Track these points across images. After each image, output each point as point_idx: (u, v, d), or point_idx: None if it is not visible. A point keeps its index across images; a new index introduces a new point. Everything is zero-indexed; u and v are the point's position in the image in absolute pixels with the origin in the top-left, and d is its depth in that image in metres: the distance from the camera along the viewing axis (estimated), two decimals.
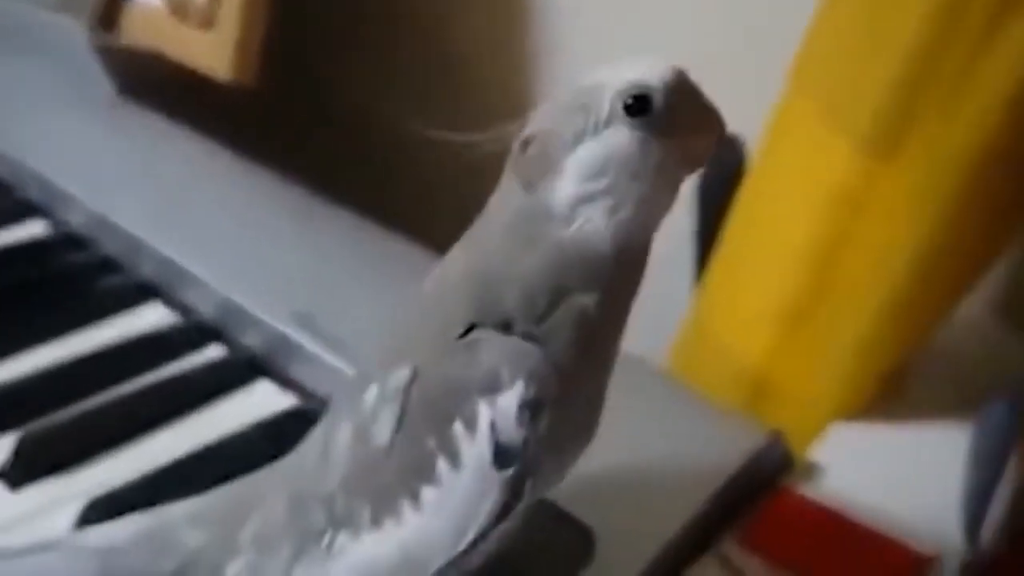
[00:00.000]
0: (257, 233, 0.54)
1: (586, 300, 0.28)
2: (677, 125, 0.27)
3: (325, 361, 0.45)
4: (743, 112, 0.57)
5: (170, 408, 0.45)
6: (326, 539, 0.30)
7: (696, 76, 0.28)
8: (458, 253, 0.30)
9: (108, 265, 0.54)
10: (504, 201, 0.29)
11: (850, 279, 0.45)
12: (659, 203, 0.28)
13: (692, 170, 0.29)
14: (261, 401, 0.46)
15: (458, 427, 0.28)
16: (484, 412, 0.27)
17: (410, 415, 0.28)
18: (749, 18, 0.60)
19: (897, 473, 0.43)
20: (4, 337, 0.48)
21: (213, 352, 0.49)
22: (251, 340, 0.48)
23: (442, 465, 0.28)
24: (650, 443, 0.41)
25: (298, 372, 0.47)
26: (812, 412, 0.46)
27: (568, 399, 0.28)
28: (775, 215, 0.48)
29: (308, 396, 0.46)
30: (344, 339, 0.46)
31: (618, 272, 0.28)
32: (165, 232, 0.53)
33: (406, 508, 0.28)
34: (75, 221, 0.57)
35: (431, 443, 0.28)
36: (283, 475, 0.32)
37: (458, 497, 0.28)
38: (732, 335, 0.50)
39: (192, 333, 0.50)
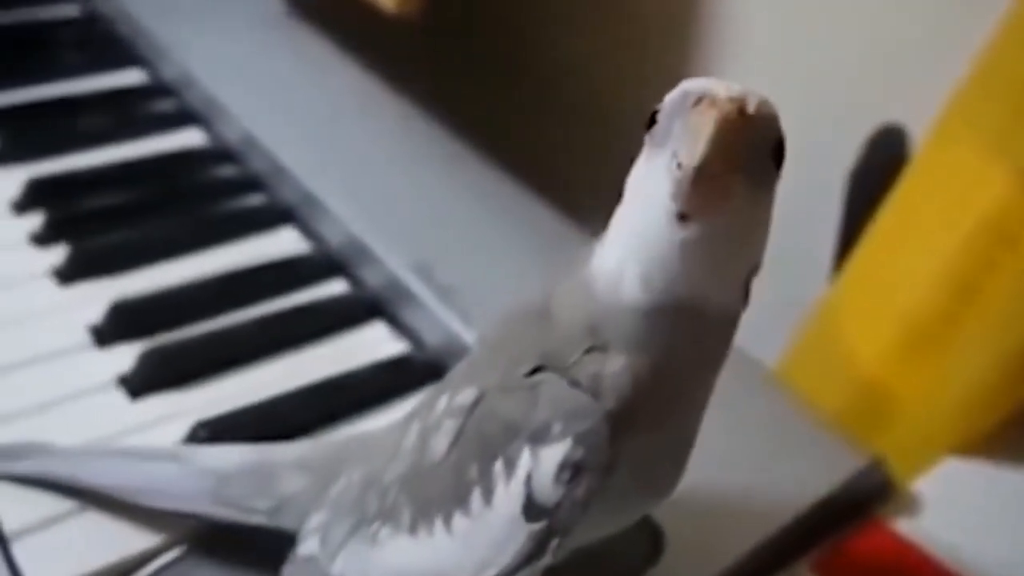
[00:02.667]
0: (398, 173, 0.55)
1: (632, 362, 0.27)
2: (669, 137, 0.25)
3: (437, 313, 0.46)
4: (910, 103, 0.54)
5: (288, 338, 0.47)
6: (374, 527, 0.30)
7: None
8: (567, 280, 0.29)
9: (253, 184, 0.56)
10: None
11: (991, 311, 0.42)
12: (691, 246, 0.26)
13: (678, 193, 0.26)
14: (374, 343, 0.47)
15: (499, 466, 0.28)
16: (525, 460, 0.27)
17: (465, 437, 0.29)
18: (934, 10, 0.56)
19: (1006, 521, 0.41)
20: (146, 246, 0.51)
21: (336, 287, 0.50)
22: (373, 280, 0.49)
23: (476, 497, 0.28)
24: (743, 451, 0.40)
25: (412, 319, 0.47)
26: (928, 441, 0.44)
27: (627, 462, 0.27)
28: (923, 230, 0.45)
29: (419, 345, 0.47)
30: (459, 293, 0.46)
31: (669, 336, 0.26)
32: (308, 159, 0.54)
33: (439, 526, 0.29)
34: (229, 135, 0.59)
35: (473, 472, 0.28)
36: (368, 448, 0.33)
37: (484, 534, 0.28)
38: (859, 342, 0.48)
39: (319, 264, 0.51)
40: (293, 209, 0.54)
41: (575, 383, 0.27)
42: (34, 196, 0.53)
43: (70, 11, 0.72)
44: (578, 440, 0.26)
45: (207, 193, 0.56)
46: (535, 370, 0.28)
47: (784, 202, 0.67)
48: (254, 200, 0.55)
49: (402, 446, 0.31)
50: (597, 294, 0.27)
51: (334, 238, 0.52)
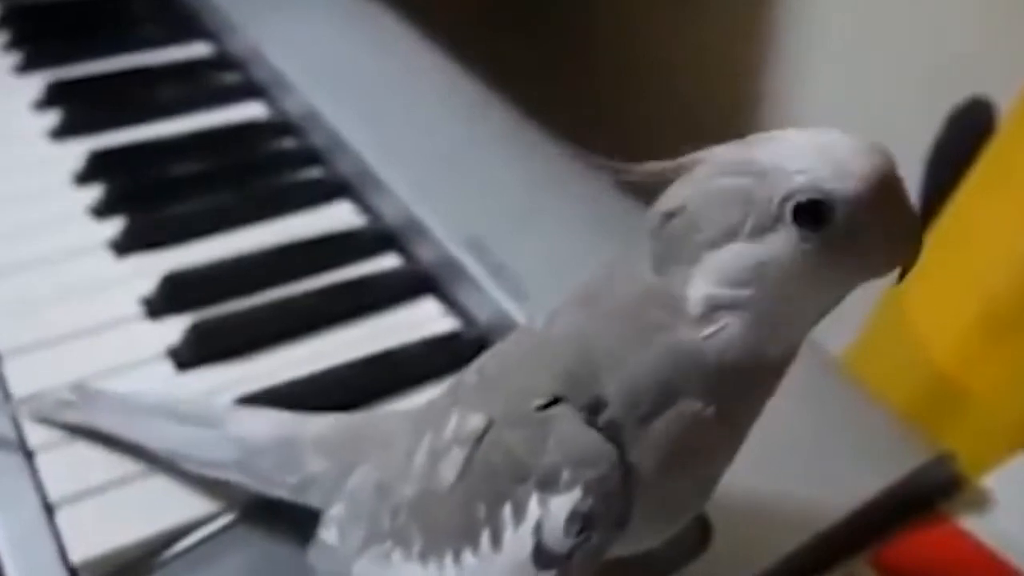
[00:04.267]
0: (456, 150, 0.53)
1: (701, 410, 0.25)
2: (860, 239, 0.23)
3: (489, 290, 0.45)
4: (1000, 75, 0.51)
5: (338, 312, 0.46)
6: (387, 545, 0.30)
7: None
8: (572, 305, 0.27)
9: (312, 157, 0.56)
10: (632, 273, 0.25)
11: None
12: (815, 313, 0.24)
13: (873, 278, 0.24)
14: (425, 319, 0.46)
15: (507, 510, 0.26)
16: (533, 508, 0.26)
17: (472, 469, 0.27)
18: None
19: None
20: (202, 219, 0.51)
21: (388, 261, 0.49)
22: (426, 256, 0.48)
23: (485, 538, 0.27)
24: (802, 441, 0.38)
25: (464, 296, 0.46)
26: (1002, 434, 0.41)
27: (643, 511, 0.26)
28: (1005, 209, 0.42)
29: (470, 322, 0.46)
30: (512, 271, 0.45)
31: (746, 386, 0.25)
32: (367, 132, 0.54)
33: (449, 561, 0.27)
34: (291, 108, 0.59)
35: (481, 511, 0.27)
36: (384, 438, 0.32)
37: (494, 574, 0.26)
38: (931, 327, 0.45)
39: (373, 239, 0.50)
40: (349, 183, 0.54)
41: (592, 421, 0.25)
42: (95, 168, 0.53)
43: None
44: (588, 490, 0.25)
45: (266, 166, 0.56)
46: (551, 402, 0.26)
47: None
48: (312, 173, 0.55)
49: (414, 461, 0.29)
50: (678, 329, 0.24)
51: (388, 212, 0.51)
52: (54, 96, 0.59)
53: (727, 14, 0.65)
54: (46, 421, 0.39)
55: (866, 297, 0.50)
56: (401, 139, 0.54)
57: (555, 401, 0.26)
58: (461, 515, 0.27)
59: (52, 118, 0.57)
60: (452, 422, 0.28)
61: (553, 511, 0.25)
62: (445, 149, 0.53)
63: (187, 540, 0.36)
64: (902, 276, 0.24)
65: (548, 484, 0.25)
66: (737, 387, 0.25)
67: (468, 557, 0.27)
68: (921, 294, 0.46)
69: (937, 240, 0.46)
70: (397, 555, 0.29)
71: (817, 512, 0.36)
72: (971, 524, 0.37)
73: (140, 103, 0.59)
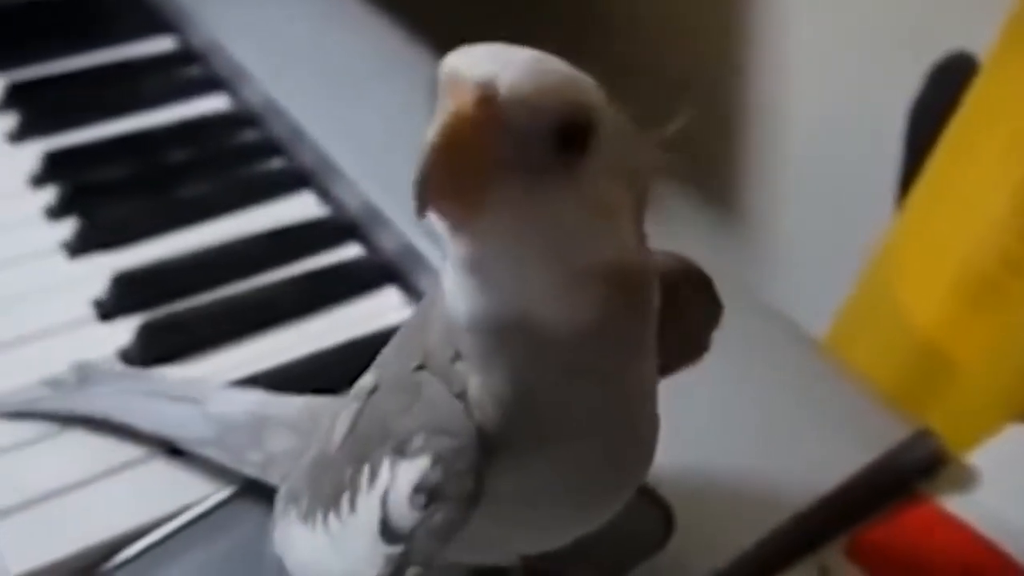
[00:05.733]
0: (415, 134, 0.52)
1: (487, 380, 0.23)
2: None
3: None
4: (981, 28, 0.48)
5: (300, 304, 0.45)
6: (288, 507, 0.29)
7: None
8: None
9: (273, 148, 0.54)
10: None
11: None
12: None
13: None
14: (387, 309, 0.45)
15: (365, 473, 0.25)
16: (384, 474, 0.24)
17: (354, 430, 0.26)
18: None
19: None
20: (162, 212, 0.49)
21: (350, 251, 0.48)
22: (388, 245, 0.47)
23: (345, 502, 0.25)
24: (772, 421, 0.37)
25: (425, 284, 0.45)
26: (988, 405, 0.39)
27: (522, 487, 0.24)
28: (984, 166, 0.40)
29: None
30: None
31: (500, 349, 0.23)
32: (327, 121, 0.52)
33: (319, 522, 0.26)
34: (252, 100, 0.57)
35: (348, 472, 0.25)
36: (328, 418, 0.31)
37: (348, 542, 0.25)
38: (913, 296, 0.43)
39: (334, 228, 0.49)
40: (311, 173, 0.52)
41: (461, 393, 0.23)
42: (50, 169, 0.52)
43: None
44: (437, 460, 0.23)
45: (228, 159, 0.54)
46: (420, 367, 0.24)
47: (841, 137, 0.62)
48: (273, 164, 0.53)
49: (329, 428, 0.28)
50: (446, 302, 0.23)
51: (351, 202, 0.49)
52: (11, 98, 0.58)
53: None
54: (19, 416, 0.38)
55: (857, 258, 0.48)
56: (362, 128, 0.52)
57: (423, 366, 0.24)
58: (336, 475, 0.26)
59: (9, 121, 0.56)
60: (356, 385, 0.27)
61: (400, 479, 0.23)
62: (408, 139, 0.51)
63: (192, 511, 0.35)
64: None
65: (400, 449, 0.24)
66: (497, 355, 0.23)
67: (333, 520, 0.26)
68: (901, 261, 0.44)
69: (915, 203, 0.44)
70: (292, 514, 0.28)
71: (791, 494, 0.34)
72: (954, 504, 0.35)
73: (100, 101, 0.58)
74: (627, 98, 0.23)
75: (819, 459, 0.35)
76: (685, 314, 0.26)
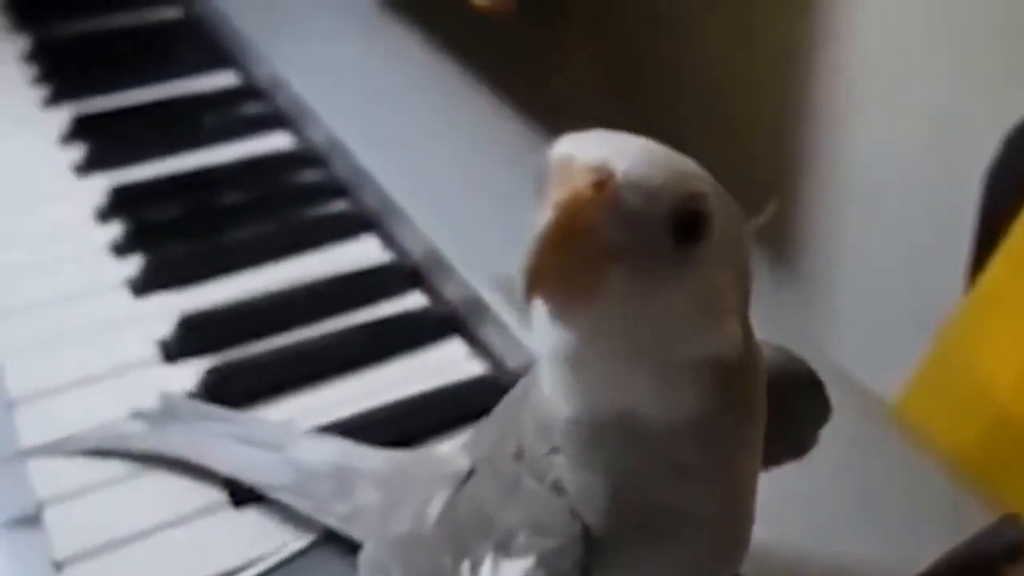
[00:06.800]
0: (487, 184, 0.51)
1: (586, 476, 0.22)
2: None
3: (514, 330, 0.42)
4: None
5: (361, 355, 0.44)
6: None
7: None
8: None
9: (337, 189, 0.54)
10: None
11: None
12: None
13: None
14: (452, 360, 0.44)
15: (465, 567, 0.24)
16: (487, 568, 0.23)
17: (449, 514, 0.26)
18: None
19: None
20: (225, 254, 0.49)
21: (413, 300, 0.47)
22: (451, 294, 0.46)
23: None
24: (852, 501, 0.35)
25: (491, 336, 0.44)
26: None
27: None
28: None
29: (497, 364, 0.44)
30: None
31: (600, 445, 0.22)
32: (392, 164, 0.52)
33: None
34: (316, 139, 0.57)
35: (447, 560, 0.25)
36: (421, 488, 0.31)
37: None
38: (993, 366, 0.42)
39: (397, 276, 0.49)
40: (375, 216, 0.52)
41: (558, 487, 0.23)
42: (116, 204, 0.52)
43: (172, 14, 0.72)
44: (541, 561, 0.22)
45: (291, 199, 0.54)
46: (517, 454, 0.24)
47: (914, 205, 0.61)
48: (337, 206, 0.53)
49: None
50: (542, 393, 0.23)
51: (414, 248, 0.49)
52: (79, 130, 0.58)
53: (768, 20, 0.62)
54: (100, 453, 0.38)
55: (929, 328, 0.48)
56: (428, 172, 0.52)
57: (520, 455, 0.24)
58: (432, 558, 0.26)
59: (75, 153, 0.56)
60: (450, 464, 0.27)
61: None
62: (475, 183, 0.51)
63: (272, 558, 0.35)
64: None
65: (504, 546, 0.23)
66: (599, 451, 0.22)
67: None
68: (980, 331, 0.43)
69: (996, 272, 0.43)
70: None
71: None
72: None
73: (164, 136, 0.58)
74: (686, 150, 0.23)
75: (904, 543, 0.34)
76: (792, 413, 0.25)
